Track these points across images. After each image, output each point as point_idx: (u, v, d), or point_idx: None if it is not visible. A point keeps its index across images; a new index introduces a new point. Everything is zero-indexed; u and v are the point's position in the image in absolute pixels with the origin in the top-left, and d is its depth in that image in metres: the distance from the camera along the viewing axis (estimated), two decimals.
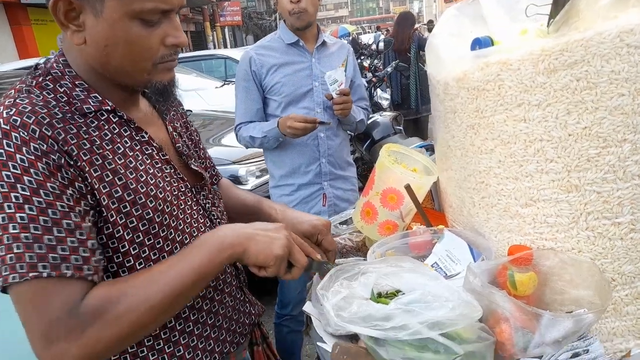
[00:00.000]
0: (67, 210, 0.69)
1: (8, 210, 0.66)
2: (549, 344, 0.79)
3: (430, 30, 8.89)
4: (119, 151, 0.78)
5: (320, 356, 0.97)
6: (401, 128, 3.98)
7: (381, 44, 4.84)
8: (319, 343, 0.97)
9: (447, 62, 0.97)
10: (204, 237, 0.79)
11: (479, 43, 0.91)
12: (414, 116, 4.79)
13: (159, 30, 0.76)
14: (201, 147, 1.07)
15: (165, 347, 0.84)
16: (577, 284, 0.88)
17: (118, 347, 0.72)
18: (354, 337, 0.95)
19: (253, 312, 1.03)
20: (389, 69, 4.60)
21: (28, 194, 0.67)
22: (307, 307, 1.07)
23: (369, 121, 3.54)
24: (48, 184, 0.68)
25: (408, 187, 1.10)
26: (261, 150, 2.06)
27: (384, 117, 3.89)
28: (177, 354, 0.85)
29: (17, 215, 0.66)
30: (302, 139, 1.87)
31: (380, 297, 0.90)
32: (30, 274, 0.66)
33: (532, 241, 0.92)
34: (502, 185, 0.93)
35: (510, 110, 0.87)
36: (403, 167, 1.18)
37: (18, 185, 0.66)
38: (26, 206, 0.66)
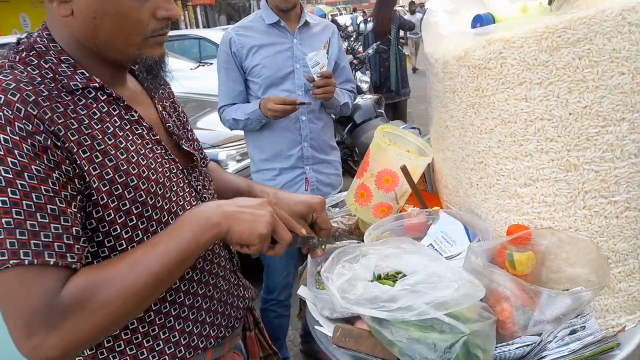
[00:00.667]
0: (51, 194, 0.66)
1: None
2: (549, 321, 0.80)
3: (412, 12, 8.80)
4: (109, 131, 0.75)
5: (317, 340, 0.96)
6: (382, 111, 3.96)
7: (363, 25, 4.76)
8: (316, 327, 0.96)
9: (446, 41, 0.95)
10: (187, 215, 0.75)
11: (481, 20, 0.89)
12: (393, 100, 4.77)
13: (150, 3, 0.73)
14: (189, 128, 1.03)
15: (160, 332, 0.82)
16: (573, 262, 0.89)
17: (100, 336, 0.70)
18: (349, 320, 0.94)
19: (247, 295, 1.01)
20: (370, 51, 4.55)
21: (11, 176, 0.63)
22: (302, 291, 1.06)
23: None
24: (32, 167, 0.64)
25: (404, 168, 1.09)
26: (242, 133, 2.00)
27: (365, 100, 3.86)
28: (173, 340, 0.83)
29: None
30: (283, 123, 1.83)
31: (380, 279, 0.90)
32: (11, 262, 0.62)
33: (530, 221, 0.93)
34: (502, 165, 0.92)
35: (512, 89, 0.86)
36: (397, 148, 1.16)
37: (0, 168, 0.63)
38: (9, 189, 0.63)
